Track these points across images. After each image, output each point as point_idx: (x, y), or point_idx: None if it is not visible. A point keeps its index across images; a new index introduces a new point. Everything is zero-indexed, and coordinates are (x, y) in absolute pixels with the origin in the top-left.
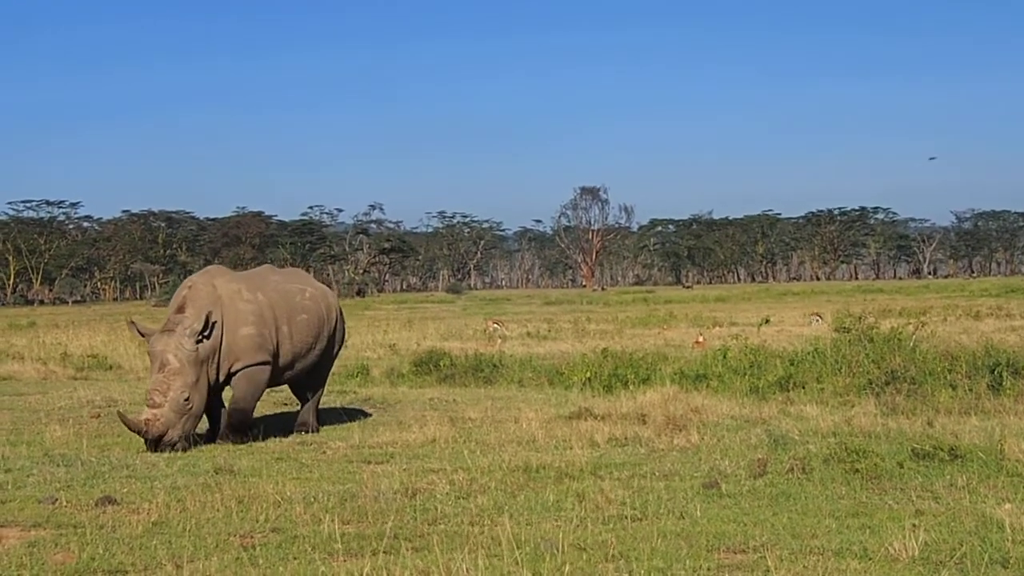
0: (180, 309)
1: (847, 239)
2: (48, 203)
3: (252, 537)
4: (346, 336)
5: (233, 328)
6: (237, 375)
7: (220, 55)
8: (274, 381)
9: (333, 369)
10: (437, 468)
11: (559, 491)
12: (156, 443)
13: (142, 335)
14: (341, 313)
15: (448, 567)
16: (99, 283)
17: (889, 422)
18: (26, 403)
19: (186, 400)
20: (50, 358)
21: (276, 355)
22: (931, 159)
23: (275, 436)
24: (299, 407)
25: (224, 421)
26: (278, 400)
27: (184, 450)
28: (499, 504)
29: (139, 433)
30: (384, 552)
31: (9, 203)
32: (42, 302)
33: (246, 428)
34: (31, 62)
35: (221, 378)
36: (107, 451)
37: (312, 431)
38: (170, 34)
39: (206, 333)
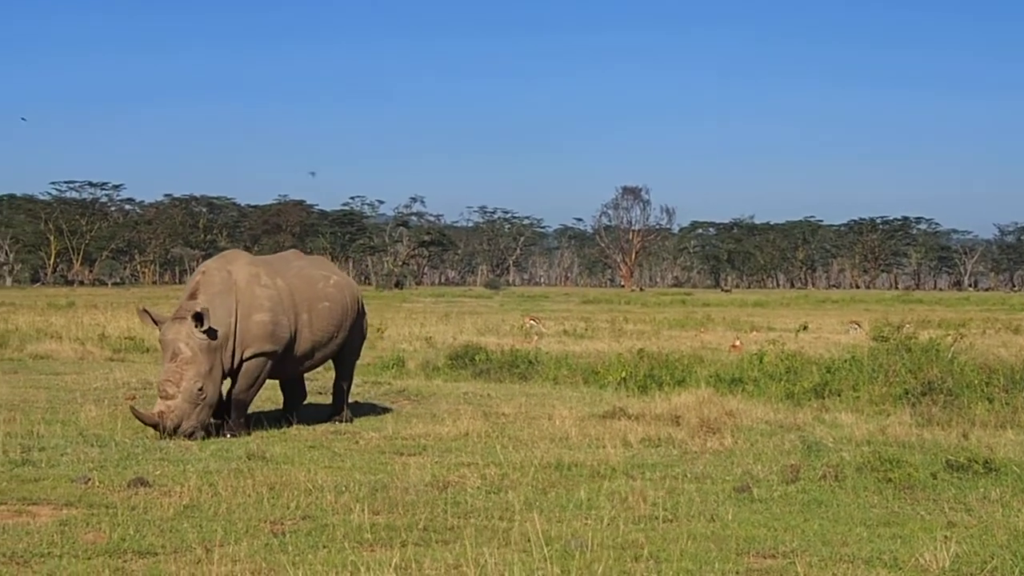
0: (192, 296)
1: (888, 248)
2: (91, 184)
3: (282, 524)
4: (367, 329)
5: (247, 314)
6: (245, 363)
7: (269, 42)
8: (292, 370)
9: (368, 360)
10: (469, 462)
11: (591, 489)
12: (171, 435)
13: (155, 323)
14: (363, 305)
15: (477, 561)
16: (139, 266)
17: (924, 433)
18: (62, 382)
19: (200, 390)
20: (88, 338)
21: (293, 343)
22: None
23: (308, 425)
24: (331, 397)
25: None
26: (312, 388)
27: (203, 439)
28: (530, 500)
29: (153, 427)
30: (414, 544)
31: (52, 183)
32: (82, 283)
33: (246, 419)
34: (78, 42)
35: (235, 365)
36: (141, 433)
37: (347, 421)
38: (220, 20)
39: (204, 328)
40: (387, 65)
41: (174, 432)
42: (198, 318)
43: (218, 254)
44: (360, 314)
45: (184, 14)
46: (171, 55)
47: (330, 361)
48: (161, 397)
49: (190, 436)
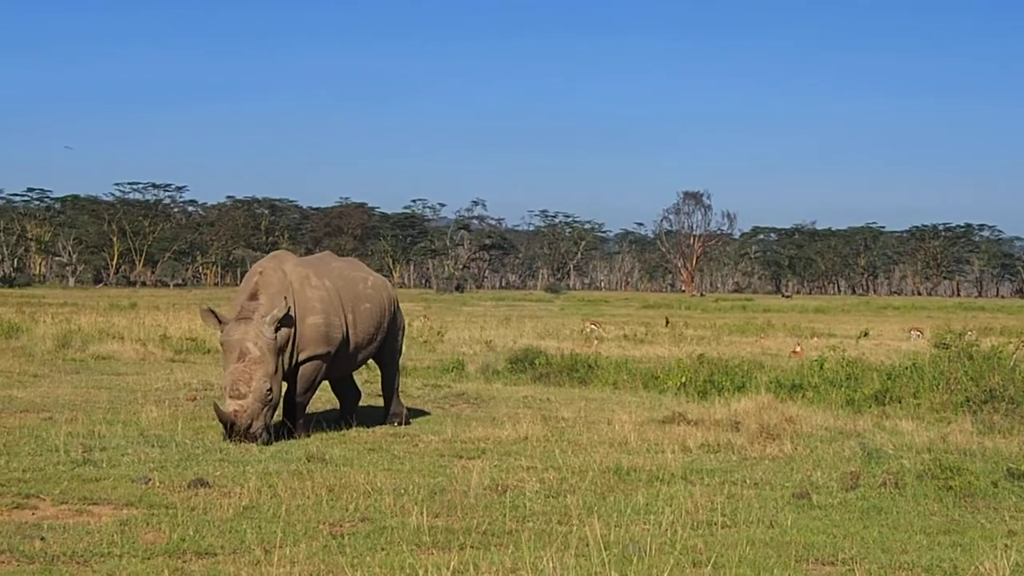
0: (253, 296)
1: (951, 255)
2: (154, 186)
3: (341, 526)
4: (404, 327)
5: (302, 316)
6: (301, 366)
7: (332, 43)
8: (339, 371)
9: (427, 363)
10: (528, 466)
11: (649, 494)
12: (242, 435)
13: (219, 323)
14: (398, 304)
15: (536, 565)
16: (201, 267)
17: (985, 441)
18: (124, 383)
19: (268, 390)
20: (149, 339)
21: (344, 343)
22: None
23: (367, 427)
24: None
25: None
26: (372, 391)
27: (266, 443)
28: (589, 505)
29: (227, 424)
30: (472, 547)
31: (116, 184)
32: (144, 284)
33: (305, 420)
34: (143, 41)
35: (291, 367)
36: (201, 434)
37: (405, 423)
38: (288, 17)
39: (278, 329)
40: (450, 67)
41: (245, 432)
42: (278, 319)
43: (271, 254)
44: (396, 314)
45: (248, 15)
46: (233, 55)
47: (373, 363)
48: (232, 397)
49: (258, 437)
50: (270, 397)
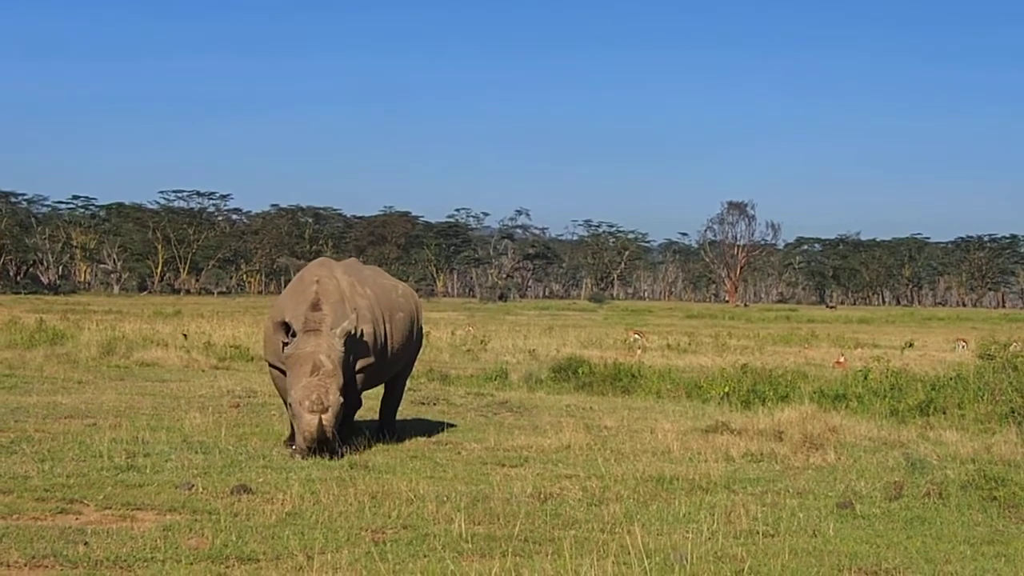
0: (316, 307)
1: (996, 266)
2: (199, 194)
3: (383, 532)
4: (422, 341)
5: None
6: (356, 375)
7: (380, 52)
8: (374, 383)
9: (471, 372)
10: (570, 474)
11: (691, 503)
12: (324, 448)
13: (290, 336)
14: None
15: (577, 572)
16: (245, 275)
17: None
18: (168, 390)
19: (342, 403)
20: (193, 347)
21: (382, 354)
22: None
23: (411, 435)
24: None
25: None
26: (415, 399)
27: (341, 455)
28: (631, 513)
29: (311, 438)
30: (514, 554)
31: (161, 192)
32: (188, 292)
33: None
34: (188, 50)
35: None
36: (244, 440)
37: (391, 436)
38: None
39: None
40: (496, 77)
41: (327, 445)
42: (348, 331)
43: (317, 261)
44: (420, 321)
45: (289, 23)
46: (277, 64)
47: None
48: (315, 411)
49: (337, 450)
50: (341, 410)
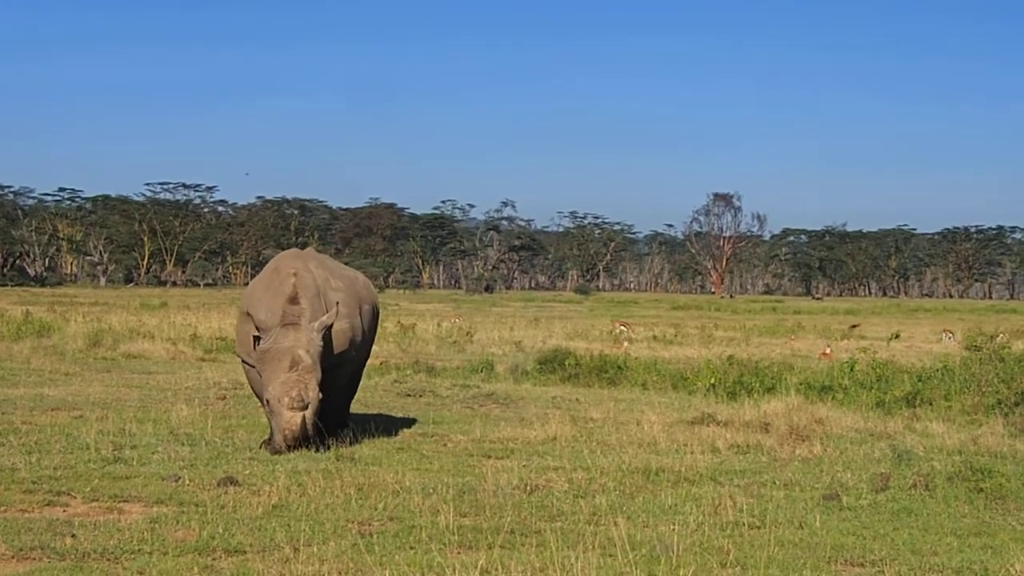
0: (294, 300)
1: (982, 257)
2: (185, 186)
3: (370, 524)
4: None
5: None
6: (331, 370)
7: (365, 43)
8: (345, 377)
9: (457, 364)
10: (556, 466)
11: (677, 495)
12: (304, 444)
13: (259, 328)
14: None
15: (563, 564)
16: (231, 267)
17: (1017, 443)
18: (154, 382)
19: (320, 399)
20: (180, 339)
21: (358, 346)
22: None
23: (397, 428)
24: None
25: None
26: (400, 391)
27: (319, 450)
28: (617, 505)
29: (292, 436)
30: (500, 546)
31: (146, 184)
32: (174, 283)
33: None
34: (174, 41)
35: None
36: (231, 432)
37: (346, 428)
38: (315, 19)
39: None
40: (481, 67)
41: (308, 441)
42: (327, 326)
43: (288, 252)
44: (378, 317)
45: (272, 15)
46: (260, 55)
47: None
48: (293, 409)
49: (318, 445)
50: (319, 406)
